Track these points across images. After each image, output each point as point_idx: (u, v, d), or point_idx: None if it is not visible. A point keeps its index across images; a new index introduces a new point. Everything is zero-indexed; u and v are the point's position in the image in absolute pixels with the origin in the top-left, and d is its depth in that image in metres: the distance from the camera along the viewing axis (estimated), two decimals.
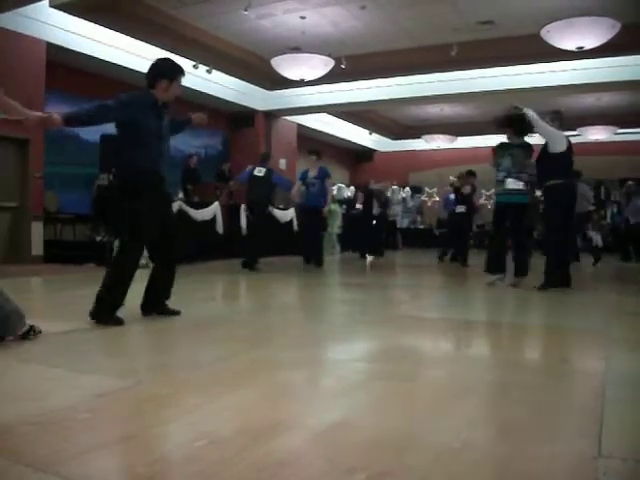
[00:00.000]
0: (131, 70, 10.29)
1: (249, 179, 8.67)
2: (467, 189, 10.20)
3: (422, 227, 18.70)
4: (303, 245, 9.48)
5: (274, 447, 1.74)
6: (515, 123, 6.15)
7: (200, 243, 9.59)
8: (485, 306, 5.45)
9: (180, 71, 4.01)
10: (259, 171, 8.58)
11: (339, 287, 7.35)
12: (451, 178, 11.37)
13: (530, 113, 5.83)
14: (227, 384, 2.47)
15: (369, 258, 12.29)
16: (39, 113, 3.56)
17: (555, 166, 5.88)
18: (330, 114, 16.27)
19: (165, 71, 3.96)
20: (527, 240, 6.86)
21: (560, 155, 5.87)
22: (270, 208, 9.21)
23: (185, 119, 4.51)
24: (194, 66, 11.29)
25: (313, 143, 15.40)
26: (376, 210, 12.69)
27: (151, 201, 3.92)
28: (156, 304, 4.10)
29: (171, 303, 4.16)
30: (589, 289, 6.96)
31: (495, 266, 6.40)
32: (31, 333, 3.16)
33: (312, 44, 10.89)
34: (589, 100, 14.68)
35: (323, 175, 8.98)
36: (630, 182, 12.42)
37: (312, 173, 9.00)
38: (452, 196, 11.08)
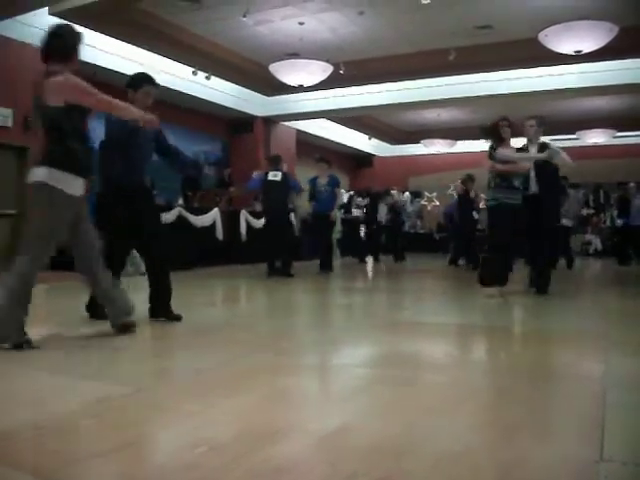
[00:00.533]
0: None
1: (262, 185, 8.52)
2: (473, 193, 10.34)
3: (422, 232, 18.70)
4: (319, 250, 9.57)
5: (274, 453, 1.73)
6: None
7: (200, 249, 9.59)
8: (485, 311, 5.44)
9: (144, 80, 4.19)
10: (275, 175, 8.37)
11: (340, 292, 7.34)
12: (455, 184, 11.45)
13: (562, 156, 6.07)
14: (227, 389, 2.47)
15: (369, 262, 12.31)
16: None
17: (558, 175, 6.41)
18: (329, 119, 16.28)
19: (131, 81, 4.20)
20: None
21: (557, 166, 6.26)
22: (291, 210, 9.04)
23: (193, 162, 5.02)
24: (193, 72, 11.32)
25: (312, 149, 15.43)
26: (382, 217, 12.71)
27: (124, 211, 4.13)
28: (161, 308, 4.15)
29: (172, 308, 4.17)
30: (588, 292, 6.96)
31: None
32: (24, 345, 3.14)
33: (310, 50, 10.91)
34: (588, 103, 14.70)
35: (334, 183, 9.17)
36: (632, 184, 12.40)
37: (322, 180, 9.10)
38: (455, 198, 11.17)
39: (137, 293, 4.20)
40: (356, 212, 13.89)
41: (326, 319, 4.95)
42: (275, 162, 8.63)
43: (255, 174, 9.09)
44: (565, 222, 9.97)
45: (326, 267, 9.19)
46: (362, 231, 14.77)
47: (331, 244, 9.57)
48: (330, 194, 9.05)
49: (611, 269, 11.36)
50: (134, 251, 8.11)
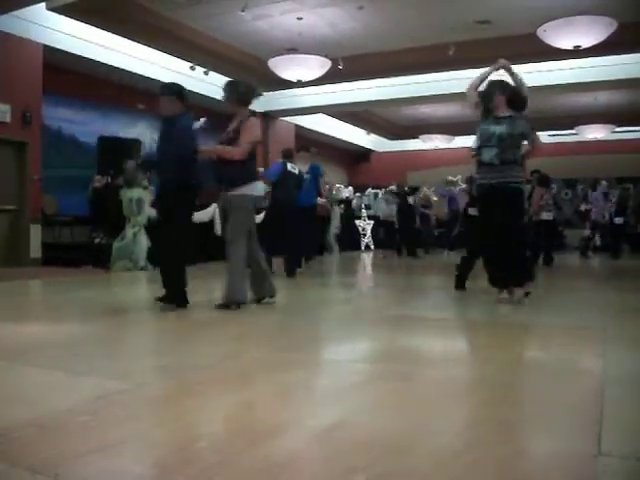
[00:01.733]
0: (129, 72, 10.29)
1: (280, 175, 7.72)
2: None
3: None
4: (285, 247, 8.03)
5: (274, 448, 1.73)
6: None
7: (198, 245, 9.54)
8: (483, 306, 5.44)
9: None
10: (293, 167, 7.82)
11: (339, 287, 7.34)
12: (449, 178, 11.34)
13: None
14: (226, 385, 2.47)
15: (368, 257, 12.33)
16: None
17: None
18: (327, 115, 16.27)
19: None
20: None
21: None
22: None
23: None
24: (191, 68, 11.30)
25: (311, 144, 15.38)
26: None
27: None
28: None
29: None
30: (585, 287, 6.96)
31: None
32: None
33: (309, 45, 10.89)
34: (586, 99, 14.69)
35: (316, 172, 8.48)
36: (604, 181, 12.71)
37: (303, 169, 8.16)
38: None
39: (136, 286, 4.19)
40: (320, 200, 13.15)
41: (325, 314, 4.94)
42: (290, 155, 8.07)
43: (275, 163, 8.54)
44: (545, 216, 9.76)
45: (291, 270, 7.56)
46: (362, 225, 14.80)
47: (305, 240, 8.28)
48: (310, 185, 8.19)
49: (607, 264, 11.39)
50: (133, 246, 8.17)
